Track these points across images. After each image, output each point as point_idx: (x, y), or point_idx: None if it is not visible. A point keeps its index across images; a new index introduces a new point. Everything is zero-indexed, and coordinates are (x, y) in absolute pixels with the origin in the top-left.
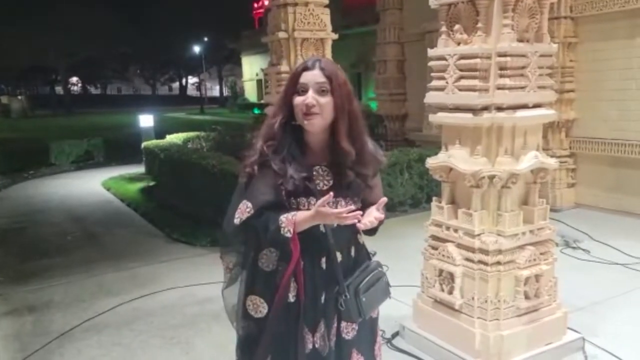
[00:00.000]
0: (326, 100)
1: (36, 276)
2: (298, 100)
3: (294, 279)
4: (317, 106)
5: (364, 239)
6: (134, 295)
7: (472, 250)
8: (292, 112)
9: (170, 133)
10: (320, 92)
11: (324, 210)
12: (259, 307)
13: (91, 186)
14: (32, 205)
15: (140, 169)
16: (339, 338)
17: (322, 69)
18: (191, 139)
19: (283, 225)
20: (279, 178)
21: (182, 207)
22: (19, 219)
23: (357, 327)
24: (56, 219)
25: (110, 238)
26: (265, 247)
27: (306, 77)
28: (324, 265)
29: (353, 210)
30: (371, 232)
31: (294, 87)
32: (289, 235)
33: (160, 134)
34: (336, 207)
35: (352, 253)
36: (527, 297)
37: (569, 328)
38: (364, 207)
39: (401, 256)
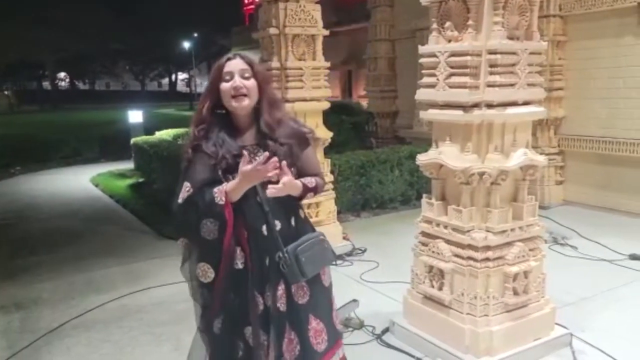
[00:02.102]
0: (251, 83)
1: (24, 273)
2: (225, 86)
3: (240, 247)
4: (244, 88)
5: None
6: (124, 292)
7: (461, 246)
8: (218, 99)
9: (159, 129)
10: (245, 77)
11: (246, 168)
12: (207, 273)
13: (80, 182)
14: (20, 201)
15: (129, 165)
16: (291, 302)
17: (242, 58)
18: (181, 135)
19: (216, 195)
20: (213, 160)
21: (172, 203)
22: (6, 215)
23: (309, 293)
24: (44, 216)
25: (99, 235)
26: (205, 218)
27: (230, 66)
28: (265, 232)
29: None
30: (298, 198)
31: (220, 76)
32: (221, 202)
33: (149, 130)
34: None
35: (293, 223)
36: (515, 293)
37: (556, 324)
38: (300, 177)
39: (391, 252)
